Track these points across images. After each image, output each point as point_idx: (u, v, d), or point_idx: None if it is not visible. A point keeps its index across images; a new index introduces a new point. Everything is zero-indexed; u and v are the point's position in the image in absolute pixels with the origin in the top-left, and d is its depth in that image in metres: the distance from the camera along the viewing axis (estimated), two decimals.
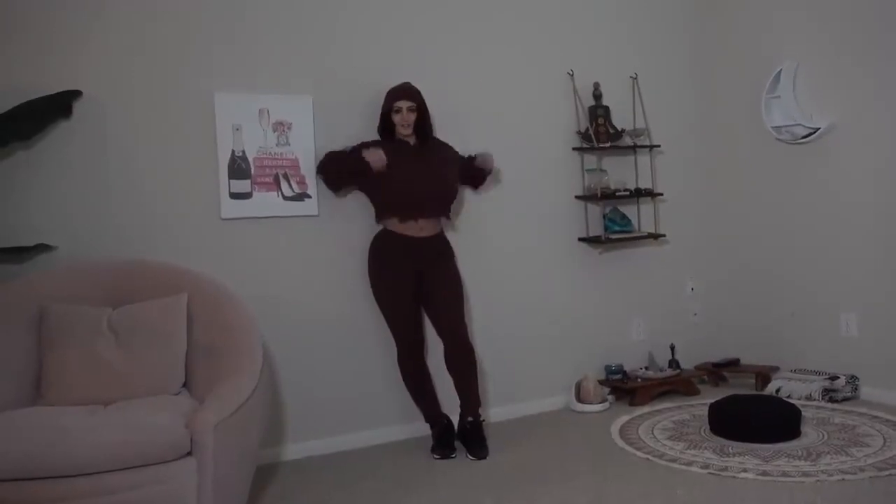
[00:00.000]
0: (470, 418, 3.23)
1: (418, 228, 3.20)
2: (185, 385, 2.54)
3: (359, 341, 3.43)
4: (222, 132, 3.18)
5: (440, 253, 3.30)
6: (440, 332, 3.26)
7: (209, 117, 3.16)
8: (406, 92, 3.24)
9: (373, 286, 3.28)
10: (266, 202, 3.26)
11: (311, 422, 3.32)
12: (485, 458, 3.12)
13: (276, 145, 3.29)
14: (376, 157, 3.12)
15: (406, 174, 3.18)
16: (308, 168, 3.33)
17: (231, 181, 3.20)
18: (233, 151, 3.20)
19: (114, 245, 2.97)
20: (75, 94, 2.91)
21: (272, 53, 3.30)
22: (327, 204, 3.38)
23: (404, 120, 3.23)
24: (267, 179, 3.27)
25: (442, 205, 3.29)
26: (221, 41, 3.20)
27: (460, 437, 3.27)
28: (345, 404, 3.39)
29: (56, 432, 2.04)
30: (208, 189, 3.16)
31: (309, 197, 3.35)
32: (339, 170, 3.23)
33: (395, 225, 3.21)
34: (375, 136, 3.32)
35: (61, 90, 2.87)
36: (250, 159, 3.24)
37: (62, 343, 2.46)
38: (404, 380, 3.36)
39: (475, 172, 3.47)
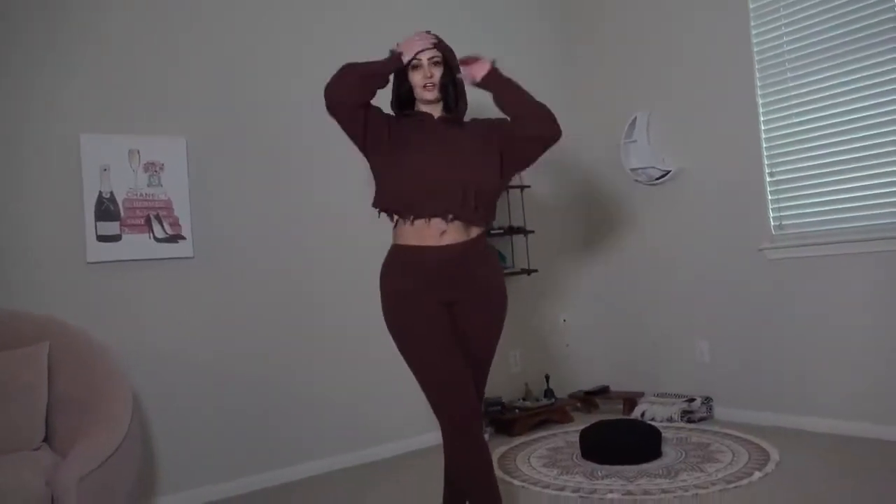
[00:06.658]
0: None
1: (436, 235, 2.17)
2: (45, 440, 2.41)
3: (235, 386, 3.37)
4: (89, 173, 3.08)
5: (478, 278, 2.24)
6: None
7: (74, 158, 3.05)
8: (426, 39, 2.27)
9: (390, 331, 2.23)
10: (136, 245, 3.17)
11: (186, 471, 3.21)
12: None
13: (148, 186, 3.22)
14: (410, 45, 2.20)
15: (419, 156, 2.21)
16: (182, 209, 3.27)
17: (98, 223, 3.09)
18: (100, 193, 3.10)
19: None
20: None
21: (143, 94, 3.24)
22: (203, 245, 3.33)
23: (426, 77, 2.26)
24: (138, 221, 3.18)
25: (466, 201, 2.17)
26: (88, 81, 3.11)
27: None
28: (221, 451, 3.31)
29: None
30: (73, 232, 3.04)
31: (183, 238, 3.28)
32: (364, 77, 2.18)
33: (407, 235, 2.22)
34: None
35: None
36: (119, 201, 3.14)
37: None
38: (449, 472, 2.25)
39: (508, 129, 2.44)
